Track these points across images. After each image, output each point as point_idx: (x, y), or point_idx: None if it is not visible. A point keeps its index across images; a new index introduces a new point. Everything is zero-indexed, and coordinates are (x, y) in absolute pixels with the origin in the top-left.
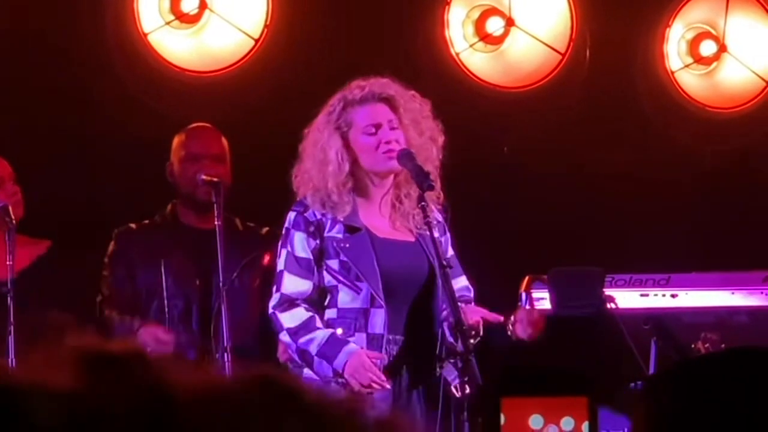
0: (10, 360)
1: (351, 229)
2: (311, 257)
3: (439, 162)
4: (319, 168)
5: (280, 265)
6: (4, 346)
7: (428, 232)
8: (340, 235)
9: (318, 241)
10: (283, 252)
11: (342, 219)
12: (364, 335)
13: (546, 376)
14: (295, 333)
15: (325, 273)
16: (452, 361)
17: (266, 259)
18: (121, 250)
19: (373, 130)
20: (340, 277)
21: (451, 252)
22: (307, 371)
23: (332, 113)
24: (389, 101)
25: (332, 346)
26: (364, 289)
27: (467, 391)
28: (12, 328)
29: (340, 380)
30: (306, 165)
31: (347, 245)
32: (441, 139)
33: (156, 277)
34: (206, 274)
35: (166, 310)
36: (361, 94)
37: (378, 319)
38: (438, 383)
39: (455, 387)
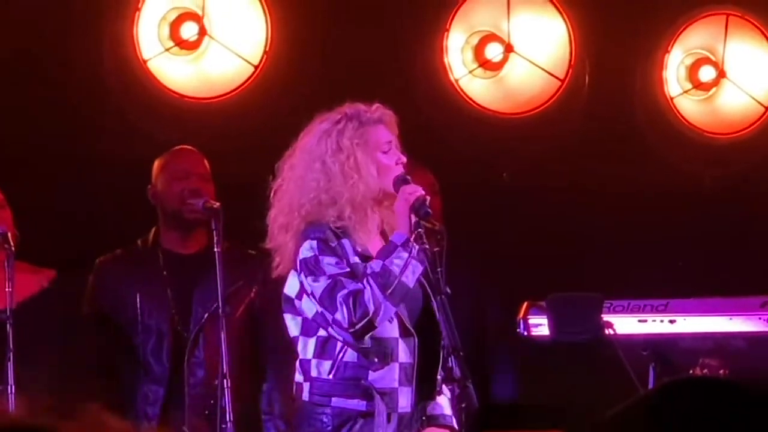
0: (9, 386)
1: (365, 258)
2: (349, 270)
3: None
4: (364, 187)
5: (326, 282)
6: (3, 373)
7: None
8: (360, 262)
9: (344, 264)
10: (321, 278)
11: (359, 248)
12: (397, 365)
13: (523, 410)
14: (363, 279)
15: None
16: (450, 387)
17: (253, 291)
18: (100, 283)
19: (388, 148)
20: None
21: None
22: (335, 401)
23: (349, 131)
24: (389, 126)
25: (384, 247)
26: (395, 318)
27: (463, 416)
28: (11, 354)
29: (411, 248)
30: (347, 185)
31: None
32: None
33: (132, 311)
34: (185, 302)
35: (140, 344)
36: (378, 113)
37: (408, 349)
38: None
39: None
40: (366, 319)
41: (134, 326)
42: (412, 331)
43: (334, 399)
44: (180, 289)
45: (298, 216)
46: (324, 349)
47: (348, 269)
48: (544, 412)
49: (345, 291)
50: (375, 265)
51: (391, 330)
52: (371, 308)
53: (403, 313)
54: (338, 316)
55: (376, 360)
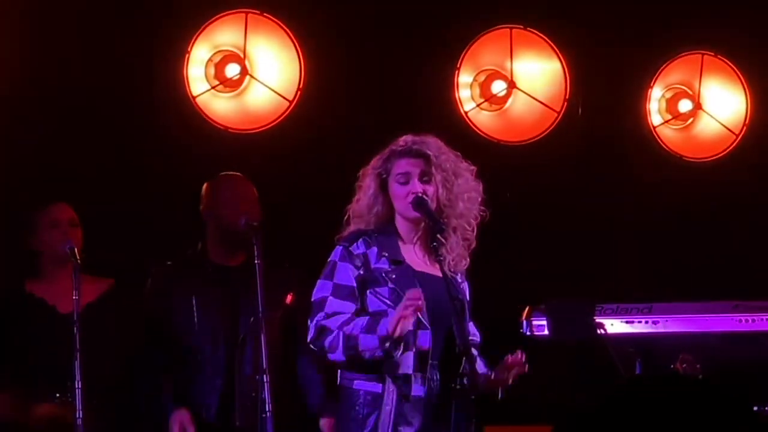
0: (77, 382)
1: (395, 262)
2: (354, 285)
3: (473, 219)
4: (360, 204)
5: (323, 292)
6: (71, 369)
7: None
8: (386, 267)
9: (362, 272)
10: (327, 283)
11: (387, 254)
12: (411, 353)
13: (521, 407)
14: (339, 326)
15: (373, 299)
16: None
17: (289, 297)
18: (157, 288)
19: (403, 180)
20: (390, 302)
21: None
22: (357, 383)
23: (379, 160)
24: (426, 158)
25: (374, 322)
26: None
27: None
28: (78, 353)
29: (386, 345)
30: (354, 201)
31: (394, 276)
32: (474, 197)
33: (188, 314)
34: (232, 307)
35: (198, 344)
36: (403, 147)
37: (424, 340)
38: (453, 400)
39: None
40: (319, 348)
41: (190, 327)
42: (428, 325)
43: (356, 382)
44: (226, 296)
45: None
46: None
47: (353, 285)
48: (540, 409)
49: (322, 315)
50: (355, 328)
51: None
52: (326, 347)
53: (422, 310)
54: (309, 324)
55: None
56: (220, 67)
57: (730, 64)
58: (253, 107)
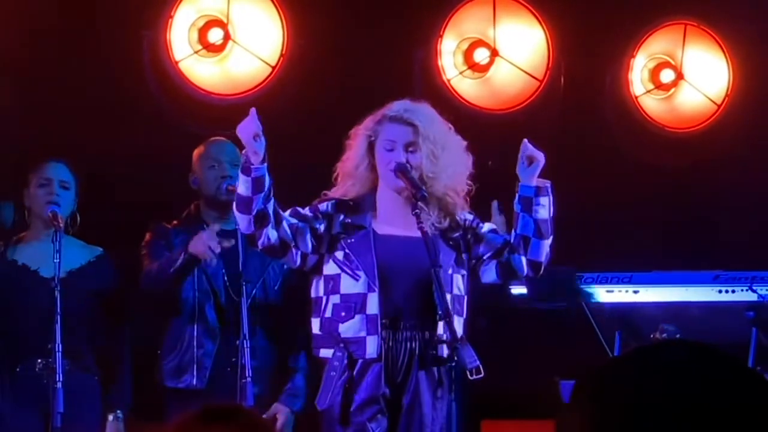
0: (57, 345)
1: (358, 228)
2: (306, 215)
3: (459, 192)
4: (346, 164)
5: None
6: (52, 333)
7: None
8: (346, 232)
9: (321, 228)
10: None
11: (350, 220)
12: (363, 316)
13: (520, 401)
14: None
15: (330, 263)
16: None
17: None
18: (156, 237)
19: (389, 147)
20: (344, 267)
21: (490, 226)
22: (321, 352)
23: (371, 122)
24: (414, 127)
25: None
26: (362, 276)
27: (453, 374)
28: (59, 317)
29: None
30: (342, 160)
31: (351, 240)
32: (461, 172)
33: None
34: (229, 271)
35: (193, 302)
36: (395, 113)
37: (373, 303)
38: (440, 368)
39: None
40: None
41: (185, 287)
42: (376, 288)
43: (321, 351)
44: (223, 259)
45: None
46: (316, 308)
47: (306, 213)
48: (539, 404)
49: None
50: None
51: (357, 287)
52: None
53: (372, 272)
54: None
55: (343, 314)
56: (203, 32)
57: (713, 34)
58: (236, 72)
